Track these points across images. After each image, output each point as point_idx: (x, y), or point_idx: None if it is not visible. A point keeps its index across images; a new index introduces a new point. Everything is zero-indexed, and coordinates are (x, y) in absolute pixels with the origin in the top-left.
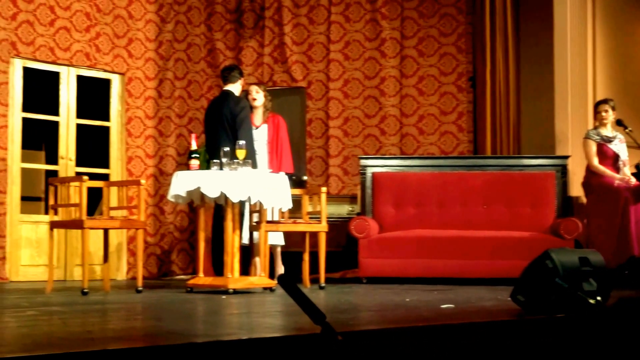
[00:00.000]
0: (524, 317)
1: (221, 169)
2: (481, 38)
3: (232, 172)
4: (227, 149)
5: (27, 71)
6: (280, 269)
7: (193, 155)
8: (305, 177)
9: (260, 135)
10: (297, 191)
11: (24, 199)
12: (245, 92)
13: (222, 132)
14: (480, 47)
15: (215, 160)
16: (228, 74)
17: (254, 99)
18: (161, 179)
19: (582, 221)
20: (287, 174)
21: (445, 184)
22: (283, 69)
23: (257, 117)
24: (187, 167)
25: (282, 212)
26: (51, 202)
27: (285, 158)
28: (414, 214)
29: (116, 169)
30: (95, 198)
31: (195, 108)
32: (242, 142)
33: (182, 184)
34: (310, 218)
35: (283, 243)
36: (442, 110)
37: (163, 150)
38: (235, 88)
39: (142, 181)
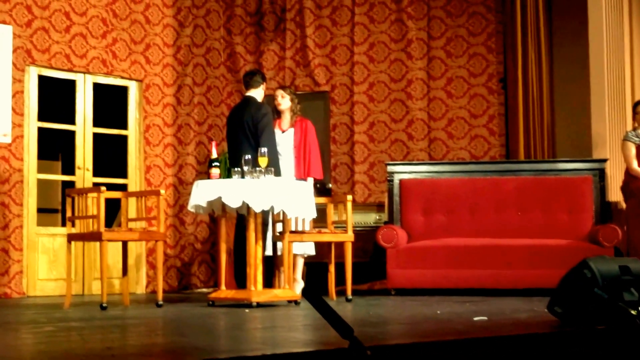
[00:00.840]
0: (561, 330)
1: (243, 177)
2: (512, 37)
3: (255, 180)
4: (248, 156)
5: (42, 79)
6: (300, 283)
7: (214, 164)
8: (330, 185)
9: (287, 139)
10: (322, 200)
11: (40, 210)
12: (270, 97)
13: (243, 140)
14: (511, 46)
15: (236, 169)
16: (250, 79)
17: (279, 104)
18: (181, 189)
19: (622, 228)
20: (315, 180)
21: (476, 190)
22: (305, 72)
23: (284, 121)
24: (208, 176)
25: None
26: (68, 214)
27: (314, 163)
28: (444, 221)
29: (134, 179)
30: (113, 209)
31: (215, 115)
32: (264, 150)
33: (202, 193)
34: (336, 227)
35: (314, 253)
36: (472, 113)
37: (182, 159)
38: (258, 93)
39: (162, 191)
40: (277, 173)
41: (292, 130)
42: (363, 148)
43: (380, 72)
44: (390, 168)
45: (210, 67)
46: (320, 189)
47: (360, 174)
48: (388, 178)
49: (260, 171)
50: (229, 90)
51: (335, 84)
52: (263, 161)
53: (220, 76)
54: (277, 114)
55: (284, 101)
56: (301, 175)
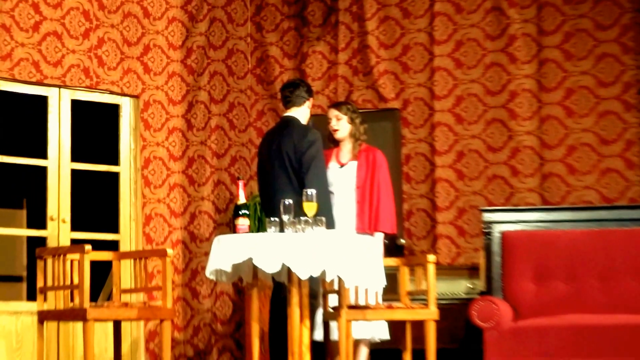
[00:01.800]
0: None
1: (282, 230)
2: None
3: (298, 235)
4: (289, 201)
5: (1, 95)
6: None
7: (241, 212)
8: (402, 241)
9: (346, 177)
10: (392, 261)
11: None
12: (318, 119)
13: (282, 178)
14: None
15: (272, 219)
16: (290, 93)
17: (335, 130)
18: (193, 247)
19: None
20: (386, 235)
21: (610, 246)
22: (366, 83)
23: (344, 151)
24: (232, 229)
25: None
26: (39, 283)
27: (384, 211)
28: (565, 291)
29: (129, 234)
30: (100, 276)
31: (241, 143)
32: (311, 192)
33: (225, 253)
34: (412, 300)
35: (386, 337)
36: (601, 138)
37: (196, 206)
38: (301, 113)
39: (168, 250)
40: (331, 224)
41: (353, 164)
42: (448, 188)
43: (472, 82)
44: (487, 216)
45: (234, 77)
46: (390, 247)
47: (445, 225)
48: (485, 230)
49: (306, 222)
50: (260, 108)
51: (408, 98)
52: (310, 208)
53: (247, 89)
54: (333, 141)
55: (341, 125)
56: (365, 228)
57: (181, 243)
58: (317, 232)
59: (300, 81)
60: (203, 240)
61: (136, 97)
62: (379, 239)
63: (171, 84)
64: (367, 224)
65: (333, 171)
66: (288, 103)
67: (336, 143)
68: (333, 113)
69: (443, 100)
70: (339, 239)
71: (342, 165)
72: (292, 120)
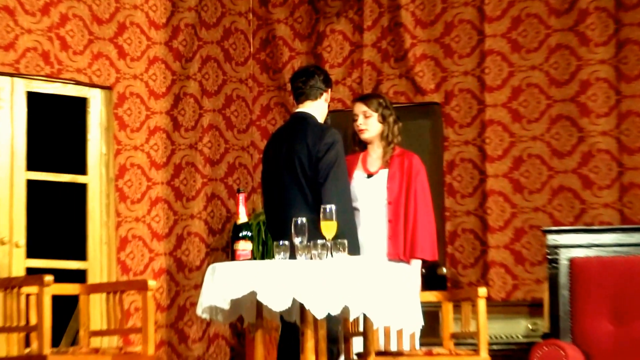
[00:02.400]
0: None
1: (293, 257)
2: None
3: (314, 263)
4: (303, 220)
5: None
6: None
7: (241, 234)
8: (444, 270)
9: (375, 188)
10: (433, 296)
11: None
12: (339, 115)
13: (293, 190)
14: None
15: (281, 243)
16: (303, 84)
17: (362, 130)
18: (181, 278)
19: None
20: (424, 263)
21: None
22: (399, 71)
23: (372, 157)
24: (230, 255)
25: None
26: None
27: (422, 233)
28: None
29: (99, 261)
30: (64, 315)
31: (241, 146)
32: (330, 208)
33: (221, 286)
34: (457, 345)
35: None
36: None
37: (183, 226)
38: (317, 109)
39: (150, 283)
40: (355, 249)
41: (384, 173)
42: (503, 203)
43: (533, 69)
44: (552, 239)
45: (232, 63)
46: (430, 277)
47: (499, 250)
48: (549, 256)
49: (323, 246)
50: (265, 103)
51: (451, 90)
52: (329, 228)
53: (248, 79)
54: (359, 144)
55: (370, 124)
56: (399, 254)
57: (165, 273)
58: (337, 259)
59: (316, 68)
60: (193, 269)
61: (108, 88)
62: (415, 267)
63: (152, 72)
64: (401, 249)
65: (358, 182)
66: (300, 96)
67: (363, 147)
68: (360, 108)
69: (496, 93)
70: (365, 268)
71: (369, 175)
72: (306, 118)
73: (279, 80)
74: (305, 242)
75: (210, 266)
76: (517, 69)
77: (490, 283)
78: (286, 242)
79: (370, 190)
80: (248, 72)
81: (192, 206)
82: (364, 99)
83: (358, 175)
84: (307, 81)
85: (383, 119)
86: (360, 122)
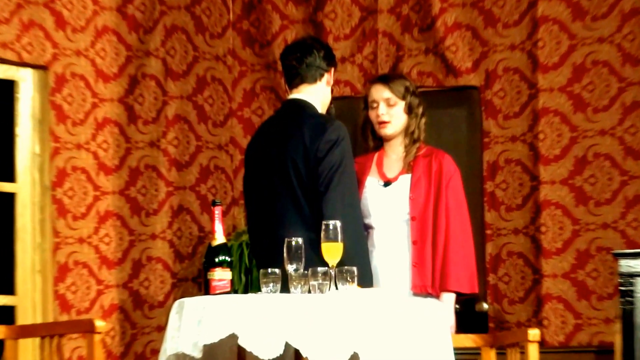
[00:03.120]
0: None
1: (285, 290)
2: None
3: (312, 298)
4: (298, 240)
5: None
6: None
7: (218, 260)
8: (485, 306)
9: (395, 200)
10: (470, 339)
11: None
12: (345, 102)
13: (285, 202)
14: None
15: (270, 271)
16: (298, 62)
17: (383, 123)
18: (138, 318)
19: None
20: (459, 297)
21: None
22: (425, 44)
23: (391, 159)
24: (204, 287)
25: None
26: None
27: (456, 258)
28: None
29: (31, 295)
30: None
31: (218, 144)
32: (334, 225)
33: (191, 328)
34: None
35: None
36: None
37: (142, 249)
38: (317, 95)
39: (98, 323)
40: (366, 279)
41: (406, 180)
42: (561, 218)
43: (601, 42)
44: (626, 264)
45: (205, 34)
46: (466, 315)
47: (556, 280)
48: (622, 287)
49: (325, 275)
50: (248, 87)
51: (494, 69)
52: (333, 251)
53: (226, 55)
54: (373, 140)
55: (396, 114)
56: (427, 286)
57: (118, 311)
58: (343, 292)
59: (315, 42)
60: (155, 305)
61: (43, 68)
62: (448, 303)
63: (101, 47)
64: (429, 280)
65: (373, 192)
66: (295, 78)
67: (378, 144)
68: (381, 93)
69: (552, 73)
70: (380, 305)
71: (387, 182)
72: (302, 107)
73: (267, 57)
74: (301, 270)
75: (177, 302)
76: (580, 42)
77: (545, 323)
78: (277, 270)
79: (387, 202)
80: (226, 46)
81: (154, 223)
82: (388, 80)
83: (372, 182)
84: (303, 58)
85: (410, 110)
86: (382, 111)
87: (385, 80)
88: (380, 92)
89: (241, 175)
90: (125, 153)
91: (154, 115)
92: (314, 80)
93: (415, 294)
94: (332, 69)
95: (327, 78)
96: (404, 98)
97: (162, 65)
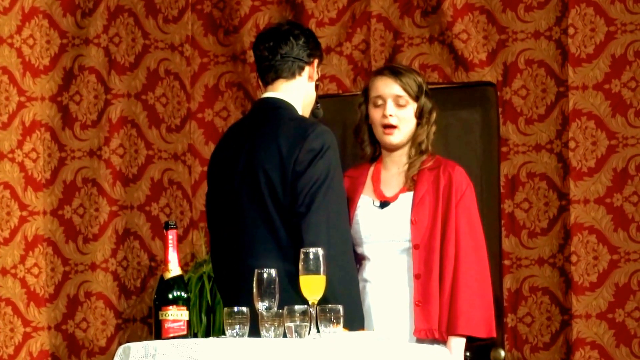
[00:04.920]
0: None
1: (256, 333)
2: None
3: (289, 343)
4: (271, 272)
5: None
6: None
7: (173, 296)
8: (502, 353)
9: (393, 223)
10: None
11: None
12: (335, 102)
13: (256, 224)
14: None
15: (237, 310)
16: (271, 52)
17: (390, 127)
18: None
19: None
20: (470, 342)
21: None
22: (429, 30)
23: (391, 172)
24: (154, 329)
25: None
26: None
27: (468, 296)
28: None
29: None
30: None
31: (172, 154)
32: (315, 253)
33: None
34: None
35: None
36: None
37: (78, 282)
38: (296, 92)
39: None
40: (355, 320)
41: (407, 198)
42: (595, 245)
43: None
44: None
45: (157, 17)
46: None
47: (590, 322)
48: None
49: (304, 315)
50: (211, 83)
51: (514, 62)
52: (313, 286)
53: (184, 44)
54: (370, 145)
55: (406, 117)
56: (433, 331)
57: (50, 358)
58: (327, 336)
59: (294, 27)
60: (95, 352)
61: None
62: (457, 350)
63: (29, 34)
64: (435, 322)
65: (366, 214)
66: (267, 73)
67: (374, 155)
68: (391, 89)
69: (586, 66)
70: (373, 353)
71: (384, 202)
72: (278, 108)
73: (233, 46)
74: (275, 308)
75: (122, 347)
76: (620, 28)
77: None
78: (244, 309)
79: (384, 226)
80: (184, 33)
81: (94, 250)
82: (400, 73)
83: (366, 202)
84: (276, 48)
85: (421, 115)
86: (391, 111)
87: (397, 73)
88: (389, 87)
89: (202, 191)
90: (59, 164)
91: (94, 117)
92: (291, 75)
93: (419, 340)
94: (316, 61)
95: (309, 72)
96: (417, 99)
97: (104, 56)
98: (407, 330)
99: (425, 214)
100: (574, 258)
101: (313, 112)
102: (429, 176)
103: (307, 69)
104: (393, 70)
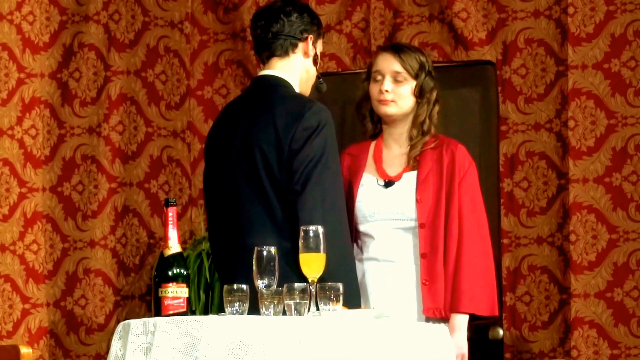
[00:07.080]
0: None
1: (255, 310)
2: None
3: (288, 320)
4: (270, 250)
5: None
6: None
7: (172, 273)
8: (501, 332)
9: (397, 203)
10: None
11: None
12: (322, 82)
13: (253, 203)
14: None
15: (235, 287)
16: (264, 30)
17: (385, 101)
18: (73, 343)
19: None
20: (472, 320)
21: None
22: (428, 8)
23: (393, 151)
24: (153, 306)
25: None
26: None
27: (472, 273)
28: None
29: None
30: None
31: (172, 131)
32: (314, 231)
33: (139, 357)
34: None
35: None
36: None
37: (77, 259)
38: (293, 69)
39: (23, 350)
40: (353, 297)
41: (411, 177)
42: (594, 225)
43: None
44: None
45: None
46: (477, 343)
47: (588, 301)
48: None
49: (303, 292)
50: (210, 61)
51: (513, 40)
52: (313, 263)
53: (184, 21)
54: (371, 122)
55: (403, 93)
56: (440, 310)
57: (49, 335)
58: (326, 314)
59: (286, 4)
60: (93, 329)
61: None
62: (460, 327)
63: (28, 10)
64: (441, 301)
65: (369, 193)
66: (263, 51)
67: (376, 130)
68: (390, 65)
69: (585, 46)
70: (375, 331)
71: (389, 182)
72: (275, 86)
73: (233, 23)
74: (274, 286)
75: (121, 324)
76: (620, 7)
77: (574, 354)
78: (244, 287)
79: (389, 206)
80: (183, 10)
81: (92, 227)
82: (400, 50)
83: (369, 181)
84: (268, 27)
85: (421, 94)
86: (387, 87)
87: (397, 49)
88: (388, 63)
89: (201, 169)
90: (58, 141)
91: (94, 94)
92: (284, 52)
93: (428, 319)
94: (311, 36)
95: (304, 48)
96: (416, 77)
97: (103, 33)
98: (414, 309)
99: (430, 192)
100: (572, 237)
101: (316, 87)
102: (432, 155)
103: (300, 45)
104: (396, 47)
